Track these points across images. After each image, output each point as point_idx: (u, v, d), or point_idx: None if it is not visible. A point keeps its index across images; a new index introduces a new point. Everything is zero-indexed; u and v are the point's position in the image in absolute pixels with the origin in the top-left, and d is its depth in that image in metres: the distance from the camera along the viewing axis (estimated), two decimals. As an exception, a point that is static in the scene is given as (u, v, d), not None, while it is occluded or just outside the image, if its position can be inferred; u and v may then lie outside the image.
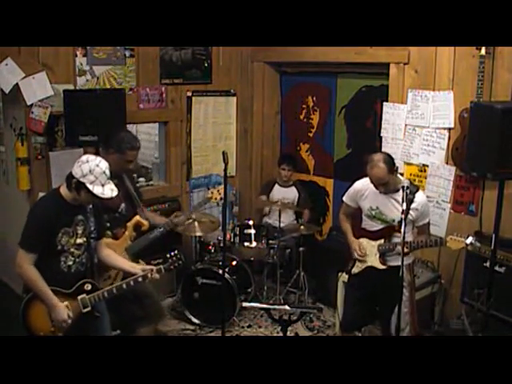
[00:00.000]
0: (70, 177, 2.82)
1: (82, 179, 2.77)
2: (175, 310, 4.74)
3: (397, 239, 3.37)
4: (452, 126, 4.10)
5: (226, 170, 3.30)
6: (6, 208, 4.65)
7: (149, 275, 3.01)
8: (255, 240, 4.83)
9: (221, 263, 4.30)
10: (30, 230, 2.85)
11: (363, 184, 3.50)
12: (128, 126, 4.31)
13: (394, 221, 3.38)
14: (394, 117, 4.49)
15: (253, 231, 4.85)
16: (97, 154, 3.43)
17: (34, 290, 2.87)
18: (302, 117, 5.67)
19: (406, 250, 3.21)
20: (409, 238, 3.35)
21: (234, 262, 4.74)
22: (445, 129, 4.16)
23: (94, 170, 2.77)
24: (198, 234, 4.48)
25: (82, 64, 4.39)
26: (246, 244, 4.84)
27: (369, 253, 3.49)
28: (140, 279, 3.02)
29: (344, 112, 5.30)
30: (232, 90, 5.54)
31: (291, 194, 5.34)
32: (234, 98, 5.58)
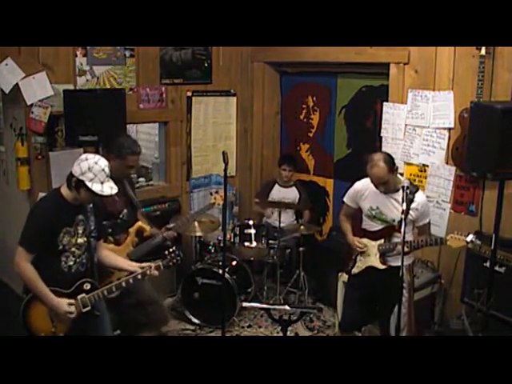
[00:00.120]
0: (70, 175, 2.83)
1: (81, 177, 2.77)
2: (175, 310, 4.74)
3: (397, 239, 3.38)
4: (452, 125, 4.10)
5: (226, 170, 3.30)
6: (6, 208, 4.65)
7: (148, 272, 3.01)
8: (255, 240, 4.83)
9: (221, 263, 4.30)
10: (31, 230, 2.85)
11: (363, 184, 3.50)
12: (128, 126, 4.32)
13: (394, 221, 3.38)
14: (393, 117, 4.49)
15: (253, 231, 4.85)
16: (97, 153, 3.43)
17: (31, 289, 2.87)
18: (302, 117, 5.67)
19: (406, 249, 3.22)
20: (409, 238, 3.35)
21: (234, 262, 4.75)
22: (445, 129, 4.16)
23: (92, 168, 2.77)
24: (198, 234, 4.48)
25: (82, 64, 4.39)
26: (246, 244, 4.83)
27: (369, 253, 3.49)
28: (139, 276, 3.02)
29: (344, 112, 5.30)
30: (232, 90, 5.54)
31: (292, 194, 5.34)
32: (234, 98, 5.58)
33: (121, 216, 3.56)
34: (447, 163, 4.18)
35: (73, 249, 2.92)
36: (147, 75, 4.84)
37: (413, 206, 3.28)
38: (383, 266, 3.44)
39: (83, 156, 2.85)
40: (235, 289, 4.43)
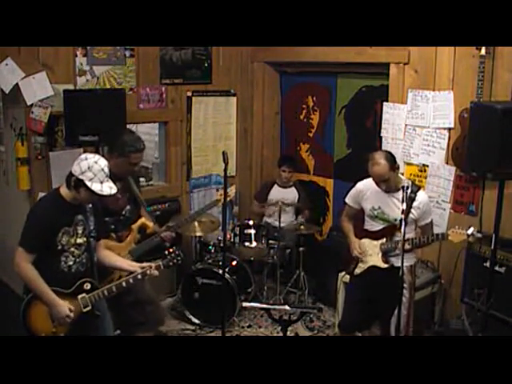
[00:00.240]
0: (70, 175, 2.82)
1: (80, 176, 2.77)
2: (175, 309, 4.74)
3: (399, 238, 3.37)
4: (452, 125, 4.10)
5: (226, 170, 3.29)
6: (6, 208, 4.64)
7: (148, 272, 3.01)
8: (255, 240, 4.83)
9: (221, 263, 4.30)
10: (30, 230, 2.85)
11: (365, 185, 3.51)
12: (128, 126, 4.31)
13: (396, 220, 3.37)
14: (393, 117, 4.49)
15: (253, 231, 4.85)
16: (97, 153, 3.43)
17: (32, 289, 2.86)
18: (302, 117, 5.67)
19: (408, 246, 3.23)
20: (411, 236, 3.36)
21: (234, 262, 4.74)
22: (445, 129, 4.16)
23: (92, 167, 2.77)
24: (198, 234, 4.48)
25: (82, 64, 4.39)
26: (246, 244, 4.84)
27: (371, 252, 3.48)
28: (139, 276, 3.01)
29: (344, 112, 5.30)
30: (232, 90, 5.54)
31: (291, 194, 5.34)
32: (234, 98, 5.58)
33: (123, 213, 3.55)
34: (447, 163, 4.18)
35: (72, 249, 2.92)
36: (147, 75, 4.84)
37: (415, 204, 3.29)
38: (386, 265, 3.43)
39: (83, 155, 2.85)
40: (235, 289, 4.42)
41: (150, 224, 3.61)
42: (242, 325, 4.58)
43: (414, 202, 3.29)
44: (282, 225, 4.85)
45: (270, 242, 4.88)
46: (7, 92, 4.02)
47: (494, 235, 3.28)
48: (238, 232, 4.88)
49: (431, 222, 3.47)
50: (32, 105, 4.07)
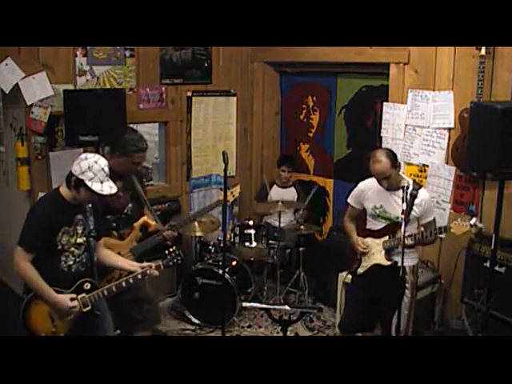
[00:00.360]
0: (70, 175, 2.82)
1: (80, 176, 2.77)
2: (175, 310, 4.74)
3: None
4: (452, 125, 4.10)
5: (226, 170, 3.29)
6: (6, 208, 4.64)
7: (148, 272, 3.01)
8: (255, 240, 4.83)
9: (221, 263, 4.30)
10: (30, 230, 2.85)
11: (366, 184, 3.51)
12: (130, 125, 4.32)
13: (397, 218, 3.36)
14: (393, 117, 4.49)
15: (253, 231, 4.86)
16: (97, 153, 3.43)
17: (32, 288, 2.87)
18: (301, 117, 5.67)
19: (411, 242, 3.24)
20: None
21: (234, 262, 4.74)
22: (445, 129, 4.16)
23: (92, 167, 2.77)
24: (198, 234, 4.48)
25: (82, 64, 4.39)
26: (246, 244, 4.84)
27: (374, 251, 3.48)
28: (139, 276, 3.02)
29: (344, 112, 5.30)
30: (232, 90, 5.54)
31: (290, 194, 5.34)
32: (234, 98, 5.58)
33: (125, 211, 3.56)
34: (447, 163, 4.18)
35: (72, 248, 2.92)
36: (147, 75, 4.84)
37: (416, 201, 3.29)
38: (388, 262, 3.42)
39: (83, 155, 2.85)
40: (235, 289, 4.42)
41: (152, 222, 3.61)
42: (242, 325, 4.58)
43: (416, 199, 3.28)
44: (281, 225, 4.85)
45: (270, 242, 4.88)
46: (7, 92, 4.02)
47: (494, 235, 3.28)
48: (238, 232, 4.88)
49: (434, 220, 3.47)
50: (32, 105, 4.07)
